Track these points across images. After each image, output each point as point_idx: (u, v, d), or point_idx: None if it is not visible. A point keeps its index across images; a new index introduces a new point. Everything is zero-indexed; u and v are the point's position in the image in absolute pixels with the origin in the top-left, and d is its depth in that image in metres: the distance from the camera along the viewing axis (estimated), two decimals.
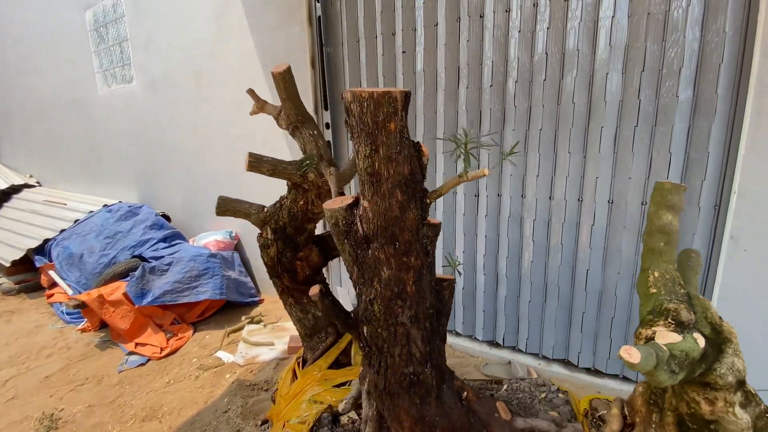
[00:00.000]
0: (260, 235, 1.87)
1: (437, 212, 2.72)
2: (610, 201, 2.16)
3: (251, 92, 1.99)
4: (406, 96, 1.04)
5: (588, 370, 2.41)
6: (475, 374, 2.55)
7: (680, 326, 0.89)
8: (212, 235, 3.73)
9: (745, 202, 1.77)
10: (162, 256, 3.23)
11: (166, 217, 4.14)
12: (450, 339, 2.78)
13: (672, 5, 1.83)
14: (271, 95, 2.81)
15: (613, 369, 2.33)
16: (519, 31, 2.22)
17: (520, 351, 2.64)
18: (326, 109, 3.06)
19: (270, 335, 3.09)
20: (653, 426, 1.16)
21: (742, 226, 1.80)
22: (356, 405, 1.63)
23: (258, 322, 3.30)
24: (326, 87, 3.01)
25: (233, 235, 3.84)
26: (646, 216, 1.08)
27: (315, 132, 1.82)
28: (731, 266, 1.86)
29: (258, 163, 1.56)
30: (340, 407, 1.58)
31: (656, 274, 1.00)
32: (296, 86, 1.77)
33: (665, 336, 0.88)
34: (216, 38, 3.46)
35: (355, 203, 1.21)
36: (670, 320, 0.90)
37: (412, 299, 1.19)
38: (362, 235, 1.17)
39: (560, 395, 1.59)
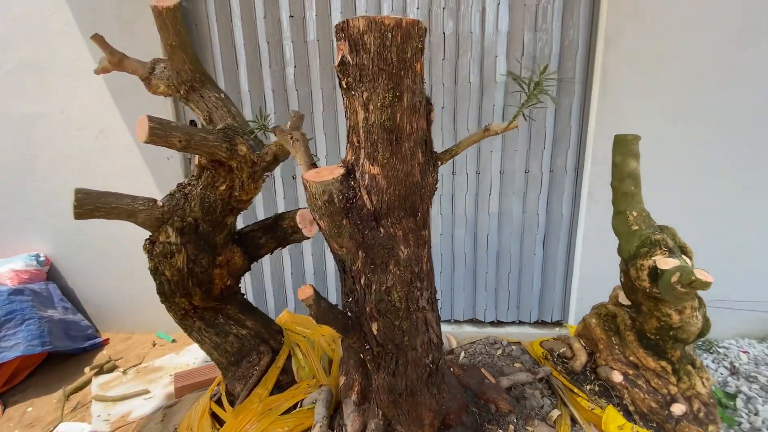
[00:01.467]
0: (153, 240, 1.32)
1: None
2: (501, 171, 2.45)
3: (99, 39, 1.38)
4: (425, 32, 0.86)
5: (492, 323, 2.71)
6: None
7: (671, 252, 1.04)
8: (5, 264, 2.51)
9: (597, 164, 2.27)
10: None
11: None
12: None
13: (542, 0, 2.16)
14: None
15: (511, 317, 2.69)
16: (417, 8, 2.23)
17: None
18: None
19: (138, 381, 2.31)
20: (616, 347, 1.36)
21: (595, 183, 2.31)
22: (330, 425, 1.36)
23: (112, 370, 2.43)
24: None
25: (42, 259, 2.69)
26: (613, 166, 1.23)
27: (222, 95, 1.39)
28: (590, 214, 2.37)
29: (164, 132, 1.06)
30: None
31: (634, 213, 1.16)
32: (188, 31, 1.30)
33: (665, 262, 1.02)
34: None
35: (348, 172, 0.96)
36: (664, 248, 1.05)
37: (427, 278, 1.03)
38: (370, 211, 0.94)
39: (513, 347, 1.71)
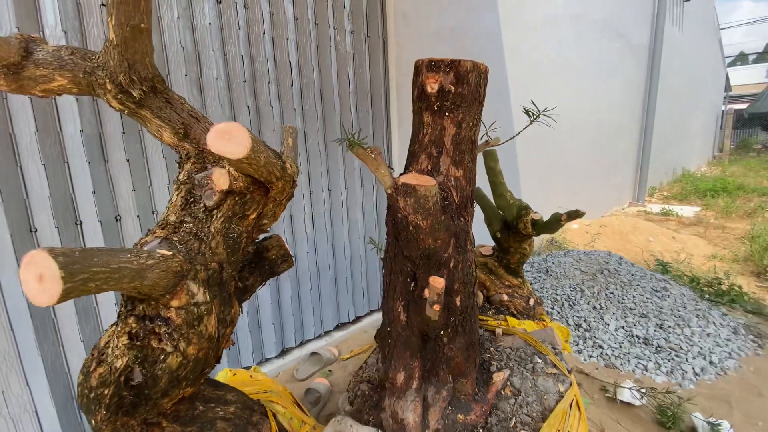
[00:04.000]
0: (144, 315, 0.85)
1: None
2: (346, 188, 2.85)
3: None
4: None
5: (354, 321, 3.05)
6: (299, 384, 2.42)
7: (529, 209, 1.87)
8: None
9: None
10: None
11: None
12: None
13: (358, 56, 2.74)
14: None
15: (366, 310, 3.13)
16: (264, 33, 2.26)
17: (308, 341, 2.77)
18: None
19: None
20: (496, 281, 2.14)
21: None
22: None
23: None
24: None
25: None
26: (488, 168, 1.95)
27: (185, 102, 1.09)
28: None
29: (258, 145, 0.81)
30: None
31: (508, 194, 1.92)
32: None
33: (536, 215, 1.84)
34: None
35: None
36: (531, 210, 1.86)
37: None
38: (457, 205, 1.18)
39: None
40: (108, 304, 1.91)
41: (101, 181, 1.83)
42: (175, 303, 0.87)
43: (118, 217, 1.90)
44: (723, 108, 15.63)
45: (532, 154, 4.69)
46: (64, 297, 0.65)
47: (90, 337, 1.88)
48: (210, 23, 2.06)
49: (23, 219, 1.67)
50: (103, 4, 1.76)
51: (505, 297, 2.10)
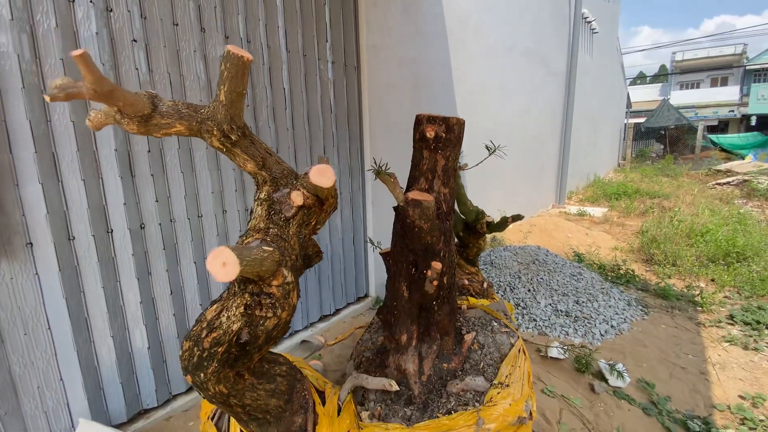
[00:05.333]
0: (255, 292, 1.25)
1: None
2: None
3: (85, 59, 1.11)
4: None
5: (335, 313, 3.47)
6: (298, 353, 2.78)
7: (484, 213, 2.47)
8: None
9: (373, 187, 3.60)
10: None
11: None
12: None
13: (331, 86, 3.18)
14: None
15: (343, 303, 3.56)
16: (263, 63, 2.62)
17: (297, 331, 3.14)
18: None
19: None
20: (458, 270, 2.72)
21: (374, 198, 3.64)
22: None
23: None
24: None
25: None
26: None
27: (263, 142, 1.49)
28: (374, 217, 3.68)
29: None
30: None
31: (468, 203, 2.50)
32: None
33: (490, 218, 2.44)
34: None
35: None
36: (484, 214, 2.45)
37: None
38: (444, 212, 1.71)
39: None
40: (134, 304, 2.15)
41: (129, 194, 2.09)
42: (275, 282, 1.28)
43: (142, 225, 2.15)
44: (625, 122, 18.31)
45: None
46: (238, 275, 1.05)
47: (118, 333, 2.11)
48: (221, 56, 2.38)
49: (63, 228, 1.88)
50: (134, 40, 2.03)
51: (466, 282, 2.69)
